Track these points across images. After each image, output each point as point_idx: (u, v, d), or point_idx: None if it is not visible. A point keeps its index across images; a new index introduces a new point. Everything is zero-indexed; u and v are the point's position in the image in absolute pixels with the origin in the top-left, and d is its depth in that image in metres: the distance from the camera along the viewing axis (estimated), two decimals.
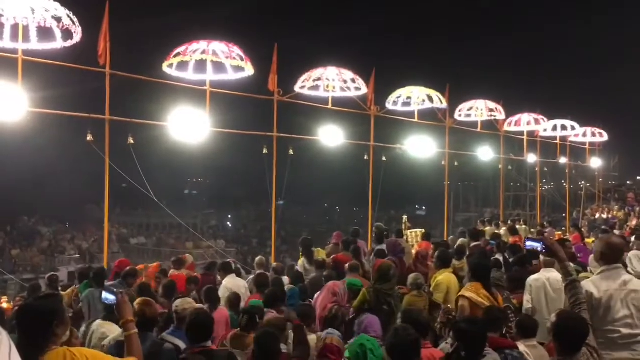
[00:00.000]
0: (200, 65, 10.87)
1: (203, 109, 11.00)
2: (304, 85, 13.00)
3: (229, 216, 56.40)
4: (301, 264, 9.84)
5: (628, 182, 45.81)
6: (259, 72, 11.54)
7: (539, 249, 3.75)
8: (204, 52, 10.49)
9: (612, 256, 4.40)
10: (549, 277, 6.47)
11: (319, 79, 13.05)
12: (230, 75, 11.09)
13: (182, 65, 10.73)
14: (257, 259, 10.06)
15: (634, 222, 19.38)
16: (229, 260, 10.07)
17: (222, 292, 7.62)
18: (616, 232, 15.06)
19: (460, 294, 5.71)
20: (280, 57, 12.34)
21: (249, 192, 50.45)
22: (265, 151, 12.56)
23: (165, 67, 10.65)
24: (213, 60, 10.63)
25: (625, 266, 5.41)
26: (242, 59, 10.69)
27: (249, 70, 11.00)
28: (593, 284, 4.32)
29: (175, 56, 10.46)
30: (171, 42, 10.75)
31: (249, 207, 57.32)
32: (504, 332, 4.63)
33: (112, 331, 5.04)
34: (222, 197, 55.17)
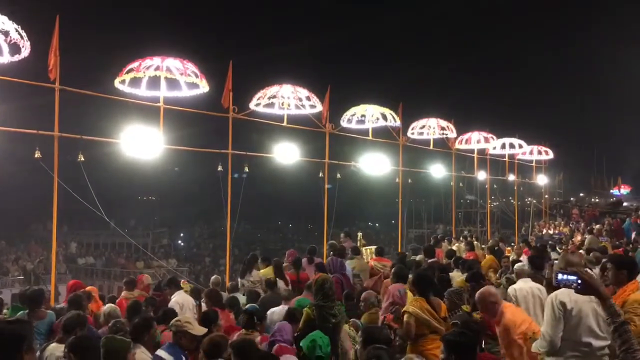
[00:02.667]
0: (154, 82, 10.73)
1: (156, 125, 10.83)
2: (259, 102, 12.99)
3: (181, 234, 55.42)
4: (242, 280, 9.84)
5: (572, 199, 47.49)
6: (214, 89, 11.48)
7: (574, 284, 3.10)
8: (157, 68, 10.35)
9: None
10: (531, 286, 6.35)
11: (274, 97, 13.08)
12: (185, 92, 10.99)
13: (135, 82, 10.57)
14: (213, 278, 9.91)
15: (578, 238, 20.01)
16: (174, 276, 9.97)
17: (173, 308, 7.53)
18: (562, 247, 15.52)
19: (404, 309, 5.73)
20: (235, 74, 12.33)
21: (202, 210, 49.82)
22: (220, 169, 12.44)
23: (117, 83, 10.47)
24: (167, 77, 10.51)
25: None
26: (196, 76, 10.61)
27: (203, 87, 10.92)
28: (566, 294, 4.36)
29: (128, 72, 10.29)
30: (123, 58, 10.59)
31: (201, 225, 56.53)
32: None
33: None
34: (174, 215, 54.21)
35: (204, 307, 7.63)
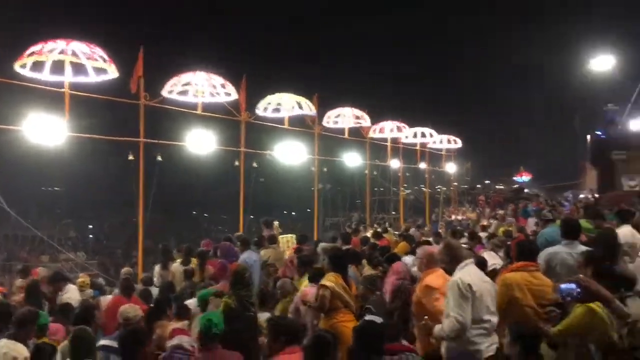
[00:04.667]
0: (58, 66, 10.15)
1: (61, 112, 10.28)
2: (172, 89, 12.65)
3: (90, 227, 53.16)
4: (157, 271, 9.63)
5: (478, 186, 49.85)
6: (125, 76, 11.04)
7: (574, 293, 3.10)
8: (62, 52, 9.82)
9: (458, 254, 4.82)
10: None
11: (187, 84, 12.77)
12: (92, 78, 10.48)
13: (38, 66, 9.96)
14: (124, 270, 9.60)
15: (484, 223, 21.02)
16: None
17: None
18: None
19: (321, 283, 6.02)
20: (148, 62, 11.84)
21: (112, 200, 48.01)
22: (131, 157, 12.02)
23: (17, 67, 9.84)
24: (72, 61, 9.99)
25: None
26: (104, 61, 10.17)
27: (112, 73, 10.49)
28: (468, 276, 4.59)
29: (29, 55, 9.71)
30: (24, 40, 9.96)
31: (112, 216, 54.43)
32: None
33: (17, 351, 4.75)
34: (82, 206, 51.86)
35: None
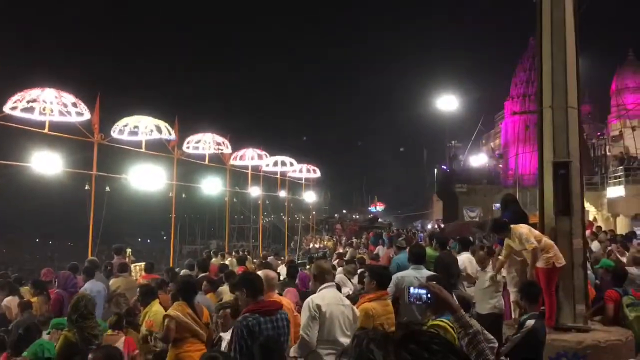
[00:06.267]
0: None
1: None
2: (16, 106, 11.66)
3: None
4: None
5: (336, 215, 51.53)
6: None
7: (424, 297, 3.07)
8: None
9: (322, 277, 5.02)
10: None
11: (34, 100, 11.85)
12: None
13: None
14: None
15: (340, 250, 21.72)
16: None
17: None
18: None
19: (166, 313, 5.91)
20: None
21: None
22: None
23: None
24: None
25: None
26: None
27: None
28: (320, 298, 4.83)
29: None
30: None
31: None
32: None
33: None
34: None
35: None
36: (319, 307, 4.73)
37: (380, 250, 15.85)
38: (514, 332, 5.41)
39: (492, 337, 4.09)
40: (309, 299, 4.88)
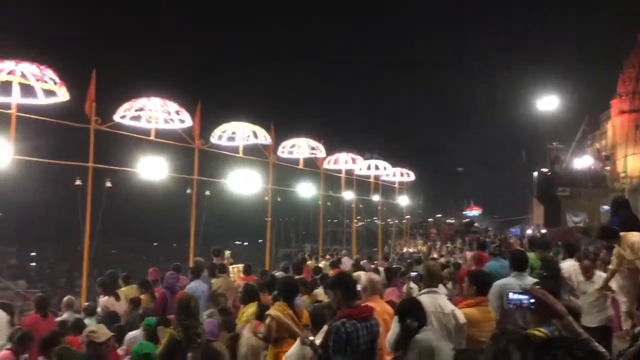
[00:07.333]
0: (6, 87, 9.82)
1: (6, 134, 9.92)
2: (125, 115, 12.41)
3: (32, 254, 51.16)
4: (104, 302, 9.27)
5: (430, 219, 50.66)
6: (76, 99, 10.75)
7: (525, 303, 2.81)
8: (10, 72, 9.51)
9: (429, 279, 4.89)
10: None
11: (141, 109, 12.56)
12: (41, 100, 10.18)
13: None
14: (65, 299, 9.21)
15: (435, 255, 21.28)
16: None
17: None
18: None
19: (268, 312, 5.96)
20: (100, 85, 11.60)
21: (58, 227, 46.47)
22: (78, 182, 11.66)
23: None
24: (21, 82, 9.69)
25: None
26: (55, 83, 9.90)
27: (63, 96, 10.20)
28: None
29: None
30: None
31: (55, 244, 52.56)
32: None
33: None
34: (25, 233, 49.94)
35: None
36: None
37: (468, 255, 15.38)
38: (628, 346, 5.03)
39: (603, 349, 3.83)
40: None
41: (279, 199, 19.66)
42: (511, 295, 2.95)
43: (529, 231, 31.18)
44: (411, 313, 4.34)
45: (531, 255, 8.33)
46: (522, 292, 2.93)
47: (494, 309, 5.37)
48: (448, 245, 26.02)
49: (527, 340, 1.11)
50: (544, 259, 8.35)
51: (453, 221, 50.19)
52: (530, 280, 5.73)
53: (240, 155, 15.79)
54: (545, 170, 35.73)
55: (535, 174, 38.16)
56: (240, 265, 13.86)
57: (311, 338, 4.85)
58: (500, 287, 5.75)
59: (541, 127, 37.47)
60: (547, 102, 34.21)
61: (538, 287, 3.42)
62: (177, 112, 12.95)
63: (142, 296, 9.20)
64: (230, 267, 13.25)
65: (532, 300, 2.82)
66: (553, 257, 8.94)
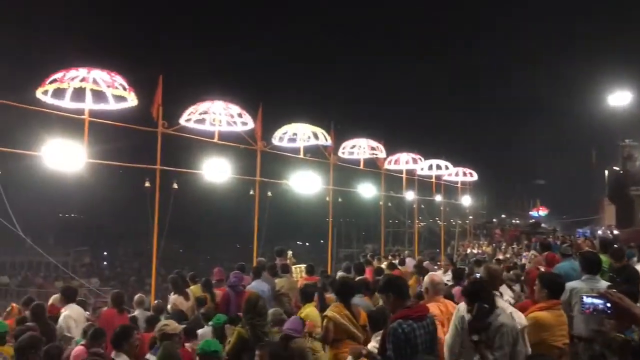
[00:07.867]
0: (79, 94, 10.29)
1: (80, 139, 10.39)
2: (190, 118, 12.76)
3: (105, 253, 53.30)
4: (173, 300, 9.49)
5: (494, 220, 49.42)
6: (142, 104, 11.15)
7: (601, 307, 2.68)
8: (83, 79, 9.94)
9: (493, 283, 4.79)
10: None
11: (205, 112, 12.88)
12: (112, 105, 10.61)
13: (59, 93, 10.10)
14: (136, 297, 9.55)
15: (500, 257, 20.75)
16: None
17: (65, 322, 7.51)
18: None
19: (325, 314, 6.01)
20: (166, 90, 12.01)
21: (128, 227, 48.27)
22: (147, 184, 12.07)
23: (39, 94, 9.98)
24: (93, 89, 10.13)
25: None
26: (124, 89, 10.29)
27: (132, 101, 10.60)
28: (464, 309, 4.55)
29: (51, 82, 9.83)
30: (47, 68, 10.12)
31: (126, 243, 54.60)
32: None
33: None
34: (99, 233, 52.13)
35: None
36: (462, 319, 4.47)
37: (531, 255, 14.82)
38: None
39: None
40: (458, 306, 4.69)
41: (340, 200, 19.64)
42: (585, 299, 2.83)
43: (599, 232, 29.91)
44: (478, 296, 4.35)
45: (603, 257, 7.96)
46: (597, 296, 2.79)
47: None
48: (514, 246, 25.32)
49: (626, 346, 1.05)
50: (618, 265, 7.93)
51: (519, 222, 48.81)
52: (603, 284, 5.48)
53: (301, 156, 15.93)
54: (617, 168, 34.17)
55: (607, 172, 36.58)
56: (303, 266, 13.96)
57: (365, 348, 4.84)
58: (569, 291, 5.59)
59: (613, 124, 35.81)
60: (620, 97, 32.65)
61: (614, 290, 3.25)
62: (240, 115, 13.19)
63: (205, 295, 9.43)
64: (293, 267, 13.37)
65: (609, 305, 2.69)
66: (628, 260, 8.51)
